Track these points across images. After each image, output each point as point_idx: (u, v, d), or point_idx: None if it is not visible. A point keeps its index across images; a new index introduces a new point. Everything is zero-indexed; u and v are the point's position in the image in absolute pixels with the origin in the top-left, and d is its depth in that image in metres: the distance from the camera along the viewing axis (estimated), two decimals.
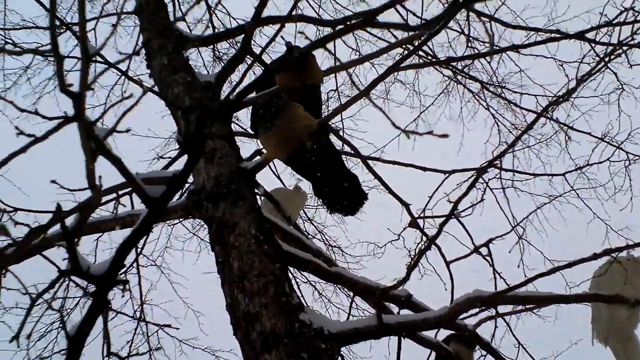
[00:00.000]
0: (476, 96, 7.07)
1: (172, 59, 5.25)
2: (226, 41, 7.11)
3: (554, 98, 5.35)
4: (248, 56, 5.20)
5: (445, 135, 2.01)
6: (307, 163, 4.38)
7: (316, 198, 5.14)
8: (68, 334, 1.66)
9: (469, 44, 7.11)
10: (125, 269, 6.38)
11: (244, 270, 3.59)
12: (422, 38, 4.98)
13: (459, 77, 6.73)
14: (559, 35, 4.37)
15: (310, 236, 7.06)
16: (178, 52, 5.41)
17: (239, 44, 7.31)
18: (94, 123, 1.75)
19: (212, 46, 7.97)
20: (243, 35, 5.43)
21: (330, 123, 5.09)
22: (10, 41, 5.50)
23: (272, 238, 3.93)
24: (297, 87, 4.76)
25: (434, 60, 4.62)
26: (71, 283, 5.38)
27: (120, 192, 3.70)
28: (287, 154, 4.34)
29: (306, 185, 5.89)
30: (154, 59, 5.32)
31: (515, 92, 6.61)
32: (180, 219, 6.38)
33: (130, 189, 4.56)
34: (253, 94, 5.43)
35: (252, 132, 5.31)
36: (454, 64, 6.09)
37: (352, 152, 6.02)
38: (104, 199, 5.08)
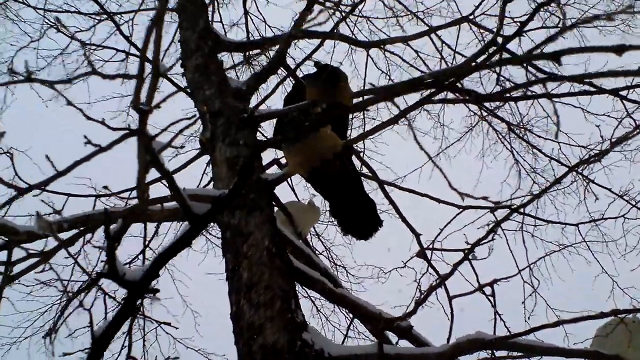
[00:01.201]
0: (500, 135, 7.12)
1: (207, 61, 5.30)
2: (261, 50, 7.12)
3: (587, 157, 5.37)
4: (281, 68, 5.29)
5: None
6: (327, 183, 4.41)
7: (330, 217, 5.15)
8: (94, 334, 1.69)
9: (499, 82, 7.17)
10: (131, 259, 6.44)
11: (253, 281, 3.62)
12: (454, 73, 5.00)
13: (485, 114, 6.79)
14: (593, 89, 4.38)
15: (317, 252, 7.06)
16: (213, 55, 5.46)
17: (271, 52, 7.46)
18: (153, 138, 1.79)
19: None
20: (278, 46, 5.50)
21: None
22: (53, 23, 5.57)
23: (284, 252, 3.96)
24: (326, 105, 4.79)
25: (465, 97, 4.62)
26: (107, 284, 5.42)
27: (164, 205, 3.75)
28: (310, 171, 4.37)
29: (319, 201, 5.97)
30: (189, 59, 5.37)
31: (540, 137, 6.66)
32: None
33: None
34: (281, 106, 5.51)
35: (275, 142, 5.33)
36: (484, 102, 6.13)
37: (370, 175, 6.04)
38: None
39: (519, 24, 4.72)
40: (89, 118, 1.82)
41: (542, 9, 5.39)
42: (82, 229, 3.89)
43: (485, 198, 1.91)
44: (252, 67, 8.32)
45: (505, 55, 5.12)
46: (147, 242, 6.34)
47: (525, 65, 4.48)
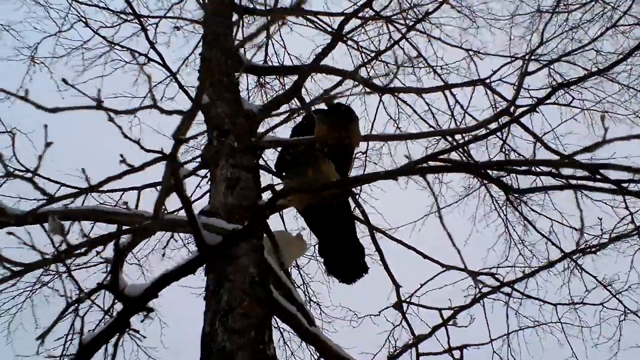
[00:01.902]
0: (496, 202, 7.19)
1: (224, 79, 5.34)
2: (277, 77, 7.19)
3: (585, 246, 5.41)
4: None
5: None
6: (320, 220, 4.43)
7: (317, 254, 5.15)
8: (82, 341, 1.69)
9: (503, 149, 7.25)
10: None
11: (231, 306, 3.59)
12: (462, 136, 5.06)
13: (486, 182, 6.85)
14: (598, 177, 4.43)
15: (295, 284, 7.04)
16: (231, 73, 5.50)
17: (286, 79, 7.53)
18: (181, 165, 1.82)
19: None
20: (297, 78, 5.56)
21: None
22: (82, 18, 5.62)
23: (267, 282, 3.95)
24: (334, 144, 4.83)
25: (469, 163, 4.66)
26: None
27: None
28: (305, 205, 4.39)
29: (306, 235, 5.97)
30: (207, 74, 5.41)
31: (535, 211, 6.72)
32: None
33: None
34: (288, 134, 5.54)
35: (276, 170, 5.35)
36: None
37: (363, 218, 6.06)
38: None
39: (535, 99, 4.79)
40: (126, 136, 1.84)
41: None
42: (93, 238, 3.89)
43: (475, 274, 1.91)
44: (264, 91, 8.39)
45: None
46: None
47: (535, 141, 4.52)
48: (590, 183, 3.27)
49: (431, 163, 3.65)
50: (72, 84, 1.58)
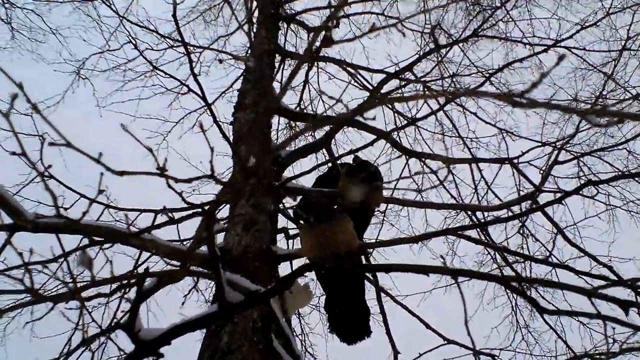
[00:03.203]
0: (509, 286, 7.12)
1: (258, 119, 5.40)
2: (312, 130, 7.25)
3: (594, 351, 5.32)
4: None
5: None
6: (331, 275, 4.40)
7: (323, 309, 5.11)
8: None
9: (522, 231, 7.21)
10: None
11: (231, 349, 3.57)
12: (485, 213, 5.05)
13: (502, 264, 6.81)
14: (614, 277, 4.40)
15: (294, 333, 6.98)
16: (265, 114, 5.57)
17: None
18: (218, 221, 1.83)
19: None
20: (328, 129, 5.60)
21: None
22: (132, 41, 5.74)
23: (269, 330, 3.92)
24: (356, 201, 4.84)
25: (499, 276, 4.60)
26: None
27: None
28: (319, 259, 4.36)
29: (313, 285, 5.93)
30: (243, 111, 5.48)
31: (544, 299, 6.65)
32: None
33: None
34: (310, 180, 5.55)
35: (294, 217, 5.35)
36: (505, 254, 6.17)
37: (372, 277, 6.03)
38: None
39: (560, 190, 4.79)
40: (184, 201, 1.85)
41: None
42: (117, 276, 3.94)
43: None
44: (293, 131, 8.46)
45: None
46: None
47: (556, 232, 4.49)
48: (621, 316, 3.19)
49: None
50: (130, 132, 1.59)
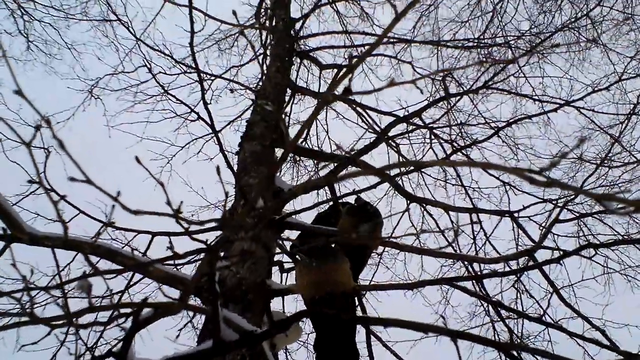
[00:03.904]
0: (498, 335, 7.08)
1: (265, 151, 5.41)
2: (314, 162, 7.29)
3: None
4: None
5: None
6: (323, 315, 4.37)
7: (312, 347, 5.05)
8: None
9: (516, 286, 7.17)
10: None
11: None
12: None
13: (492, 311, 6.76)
14: (606, 342, 4.37)
15: None
16: (272, 148, 5.58)
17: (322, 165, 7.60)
18: (220, 259, 1.82)
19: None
20: (334, 166, 5.62)
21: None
22: (147, 65, 5.79)
23: None
24: (354, 242, 4.82)
25: (500, 342, 4.54)
26: None
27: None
28: (313, 297, 4.34)
29: (302, 323, 5.89)
30: (249, 142, 5.49)
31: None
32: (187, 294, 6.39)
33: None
34: (306, 219, 5.54)
35: (291, 252, 5.34)
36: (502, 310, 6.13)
37: (363, 318, 5.98)
38: None
39: (561, 250, 4.78)
40: (194, 239, 1.86)
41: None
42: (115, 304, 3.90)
43: None
44: (297, 168, 8.49)
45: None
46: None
47: (552, 291, 4.47)
48: None
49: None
50: (143, 164, 1.60)
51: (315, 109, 1.61)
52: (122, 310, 2.05)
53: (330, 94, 1.55)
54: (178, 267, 5.47)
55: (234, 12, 3.64)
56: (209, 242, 1.86)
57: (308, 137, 9.11)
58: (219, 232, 5.86)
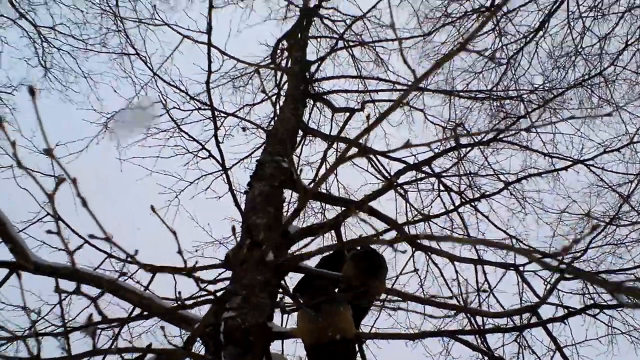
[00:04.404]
0: None
1: (273, 192, 5.43)
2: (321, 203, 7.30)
3: None
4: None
5: None
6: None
7: None
8: None
9: (518, 341, 7.09)
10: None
11: None
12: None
13: None
14: None
15: None
16: (281, 189, 5.60)
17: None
18: (226, 309, 1.83)
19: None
20: (340, 213, 5.62)
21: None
22: (162, 101, 5.85)
23: None
24: (357, 288, 4.80)
25: (486, 351, 4.54)
26: None
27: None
28: (314, 342, 4.32)
29: None
30: (259, 181, 5.51)
31: None
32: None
33: None
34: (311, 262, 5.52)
35: (293, 295, 5.31)
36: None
37: None
38: None
39: (565, 308, 4.74)
40: (199, 286, 1.87)
41: None
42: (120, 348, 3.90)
43: None
44: (304, 210, 8.50)
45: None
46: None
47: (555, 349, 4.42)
48: None
49: None
50: (158, 214, 1.61)
51: (332, 165, 1.62)
52: (126, 356, 2.04)
53: (347, 155, 1.56)
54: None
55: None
56: (216, 292, 1.87)
57: (316, 178, 9.15)
58: (225, 274, 5.89)
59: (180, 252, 1.51)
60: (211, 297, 1.86)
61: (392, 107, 1.63)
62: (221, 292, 2.06)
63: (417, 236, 4.80)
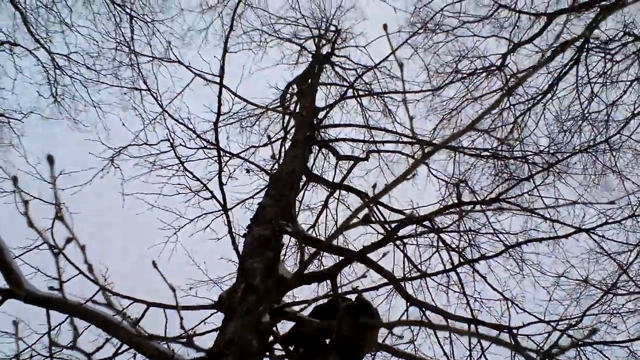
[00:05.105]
0: None
1: (272, 236, 5.42)
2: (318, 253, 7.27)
3: None
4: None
5: None
6: None
7: None
8: None
9: None
10: None
11: None
12: None
13: None
14: None
15: None
16: (279, 235, 5.59)
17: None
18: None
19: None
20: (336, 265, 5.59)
21: None
22: (170, 139, 5.89)
23: None
24: (348, 340, 4.76)
25: None
26: None
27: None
28: None
29: None
30: (259, 225, 5.51)
31: None
32: None
33: None
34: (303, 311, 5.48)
35: (284, 344, 5.26)
36: None
37: None
38: None
39: None
40: (197, 349, 1.87)
41: None
42: None
43: None
44: (302, 254, 8.44)
45: None
46: None
47: None
48: None
49: None
50: (159, 270, 1.62)
51: (341, 226, 1.62)
52: None
53: (357, 219, 1.57)
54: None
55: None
56: (209, 350, 1.85)
57: (316, 225, 9.14)
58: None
59: (177, 308, 1.51)
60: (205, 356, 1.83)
61: (409, 170, 1.64)
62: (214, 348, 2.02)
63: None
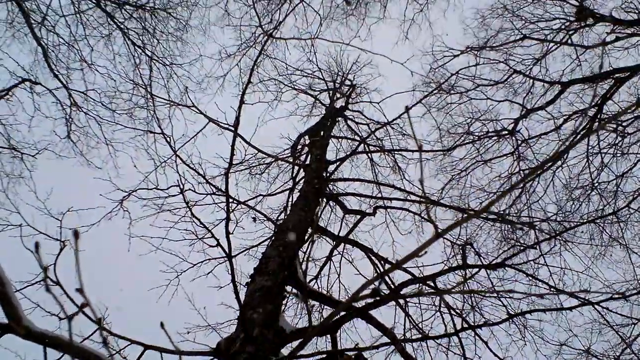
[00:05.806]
0: None
1: (274, 286, 5.40)
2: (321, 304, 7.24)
3: None
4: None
5: None
6: None
7: None
8: None
9: None
10: None
11: None
12: None
13: None
14: None
15: None
16: (283, 284, 5.57)
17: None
18: None
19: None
20: (339, 316, 5.56)
21: None
22: (179, 185, 5.91)
23: None
24: None
25: None
26: None
27: None
28: None
29: None
30: (261, 275, 5.50)
31: None
32: None
33: None
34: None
35: None
36: None
37: None
38: None
39: None
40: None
41: None
42: None
43: None
44: (303, 308, 8.41)
45: None
46: None
47: None
48: None
49: None
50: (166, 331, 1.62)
51: (350, 298, 1.62)
52: None
53: (367, 293, 1.57)
54: None
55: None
56: None
57: (319, 276, 9.09)
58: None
59: (175, 353, 1.49)
60: None
61: (400, 262, 1.65)
62: None
63: None
